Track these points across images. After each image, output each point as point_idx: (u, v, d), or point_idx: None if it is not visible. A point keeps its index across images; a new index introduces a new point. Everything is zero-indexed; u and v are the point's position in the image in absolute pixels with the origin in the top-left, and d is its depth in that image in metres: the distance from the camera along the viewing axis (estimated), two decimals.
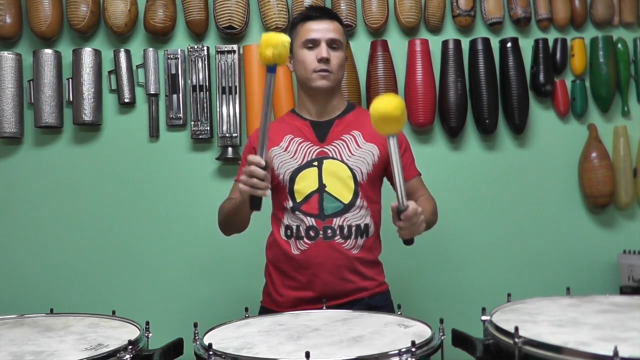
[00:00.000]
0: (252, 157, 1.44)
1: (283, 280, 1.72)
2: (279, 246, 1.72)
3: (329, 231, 1.67)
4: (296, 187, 1.69)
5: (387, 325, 1.36)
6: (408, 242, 1.49)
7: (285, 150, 1.72)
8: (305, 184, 1.68)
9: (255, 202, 1.46)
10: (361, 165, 1.70)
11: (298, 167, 1.70)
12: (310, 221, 1.67)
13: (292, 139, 1.73)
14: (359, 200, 1.69)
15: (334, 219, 1.67)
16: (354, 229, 1.68)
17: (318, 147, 1.72)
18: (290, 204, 1.69)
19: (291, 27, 1.79)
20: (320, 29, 1.70)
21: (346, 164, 1.69)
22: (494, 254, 2.45)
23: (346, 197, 1.68)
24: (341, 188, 1.68)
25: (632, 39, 2.48)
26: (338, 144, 1.72)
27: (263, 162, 1.43)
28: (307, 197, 1.68)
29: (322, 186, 1.68)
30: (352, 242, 1.68)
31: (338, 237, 1.67)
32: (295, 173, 1.69)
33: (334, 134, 1.73)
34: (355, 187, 1.69)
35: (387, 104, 1.34)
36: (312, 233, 1.67)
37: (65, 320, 1.47)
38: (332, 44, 1.70)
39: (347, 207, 1.68)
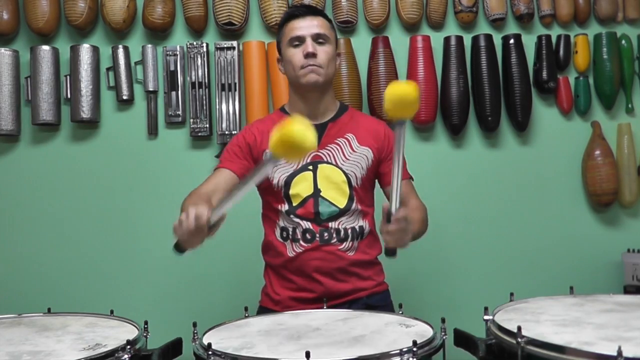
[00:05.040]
0: (202, 212, 1.29)
1: (280, 281, 1.71)
2: (274, 248, 1.71)
3: (326, 234, 1.66)
4: (292, 191, 1.67)
5: (389, 324, 1.35)
6: (391, 252, 1.39)
7: None
8: (301, 188, 1.66)
9: (181, 248, 1.34)
10: (356, 170, 1.69)
11: (293, 172, 1.67)
12: (306, 224, 1.66)
13: None
14: (354, 204, 1.68)
15: (330, 223, 1.66)
16: (349, 231, 1.67)
17: (312, 151, 1.69)
18: (285, 207, 1.68)
19: (278, 29, 1.77)
20: (304, 26, 1.68)
21: (341, 169, 1.68)
22: (496, 253, 2.43)
23: (341, 202, 1.67)
24: (336, 193, 1.67)
25: (636, 35, 2.47)
26: (332, 148, 1.70)
27: (209, 222, 1.31)
28: (303, 202, 1.66)
29: (317, 191, 1.66)
30: (348, 244, 1.67)
31: (335, 239, 1.66)
32: (290, 177, 1.67)
33: (328, 138, 1.70)
34: (350, 191, 1.68)
35: (405, 85, 1.24)
36: (308, 236, 1.66)
37: (63, 319, 1.46)
38: (317, 39, 1.67)
39: (343, 212, 1.67)
